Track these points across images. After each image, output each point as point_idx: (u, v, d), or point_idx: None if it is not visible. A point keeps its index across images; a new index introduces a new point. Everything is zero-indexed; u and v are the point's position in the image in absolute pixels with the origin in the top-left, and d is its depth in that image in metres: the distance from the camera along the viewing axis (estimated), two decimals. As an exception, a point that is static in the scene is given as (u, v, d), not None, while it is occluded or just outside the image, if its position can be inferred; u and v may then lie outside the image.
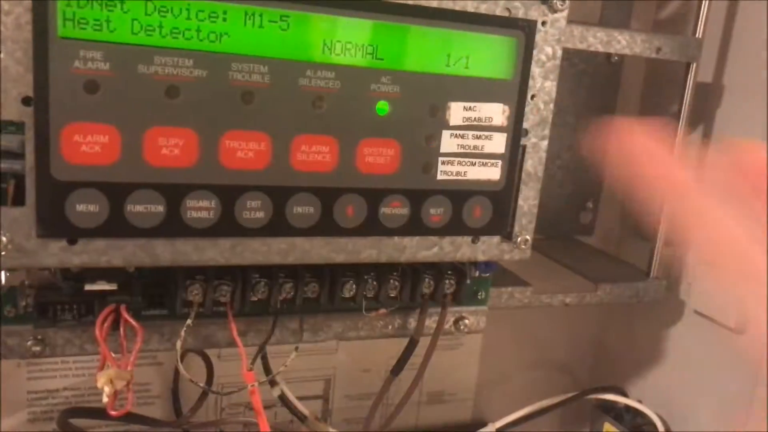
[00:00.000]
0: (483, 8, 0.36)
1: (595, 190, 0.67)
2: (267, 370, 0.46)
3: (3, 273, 0.34)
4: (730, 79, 0.58)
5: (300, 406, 0.54)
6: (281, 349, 0.43)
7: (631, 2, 0.64)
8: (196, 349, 0.46)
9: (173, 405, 0.55)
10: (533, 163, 0.40)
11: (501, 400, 0.66)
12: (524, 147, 0.39)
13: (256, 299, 0.38)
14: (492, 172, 0.39)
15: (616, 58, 0.65)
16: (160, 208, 0.33)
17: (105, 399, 0.35)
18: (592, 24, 0.55)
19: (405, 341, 0.44)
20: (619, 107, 0.66)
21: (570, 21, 0.39)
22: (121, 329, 0.35)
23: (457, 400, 0.69)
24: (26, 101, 0.30)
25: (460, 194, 0.38)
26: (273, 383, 0.51)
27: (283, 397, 0.52)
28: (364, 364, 0.64)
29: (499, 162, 0.39)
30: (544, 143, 0.40)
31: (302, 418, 0.54)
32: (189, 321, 0.37)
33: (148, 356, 0.55)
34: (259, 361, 0.42)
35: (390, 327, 0.44)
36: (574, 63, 0.63)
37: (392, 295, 0.41)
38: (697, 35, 0.53)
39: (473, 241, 0.40)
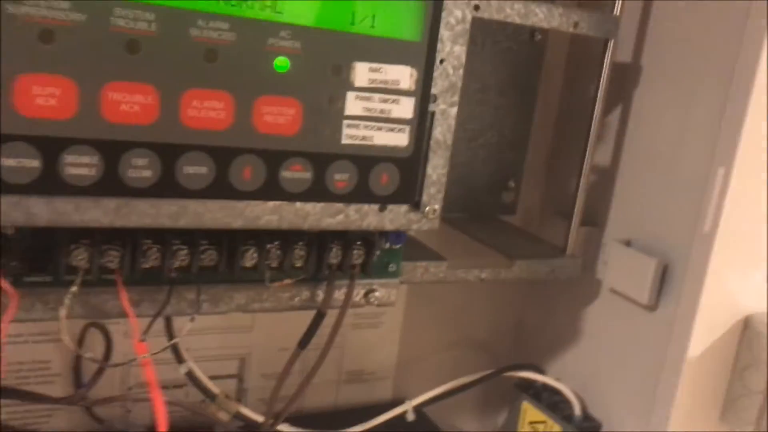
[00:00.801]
0: (390, -35, 0.35)
1: (517, 169, 0.67)
2: (173, 347, 0.44)
3: None
4: (649, 59, 0.59)
5: (210, 384, 0.52)
6: (195, 327, 0.41)
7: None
8: (92, 320, 0.44)
9: (74, 384, 0.53)
10: (442, 131, 0.39)
11: (421, 378, 0.65)
12: (433, 113, 0.38)
13: (148, 266, 0.36)
14: (399, 138, 0.38)
15: (539, 36, 0.64)
16: (35, 163, 0.30)
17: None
18: None
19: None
20: (542, 87, 0.66)
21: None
22: (-6, 294, 0.32)
23: (377, 379, 0.68)
24: None
25: (366, 160, 0.37)
26: (181, 360, 0.49)
27: (191, 375, 0.50)
28: (281, 343, 0.62)
29: (407, 128, 0.38)
30: (453, 110, 0.39)
31: (212, 396, 0.52)
32: (74, 288, 0.35)
33: (49, 332, 0.53)
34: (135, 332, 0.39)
35: (297, 299, 0.43)
36: (498, 41, 0.63)
37: (298, 265, 0.40)
38: (615, 13, 0.53)
39: (380, 210, 0.39)
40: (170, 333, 0.44)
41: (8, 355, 0.53)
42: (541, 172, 0.70)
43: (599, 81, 0.55)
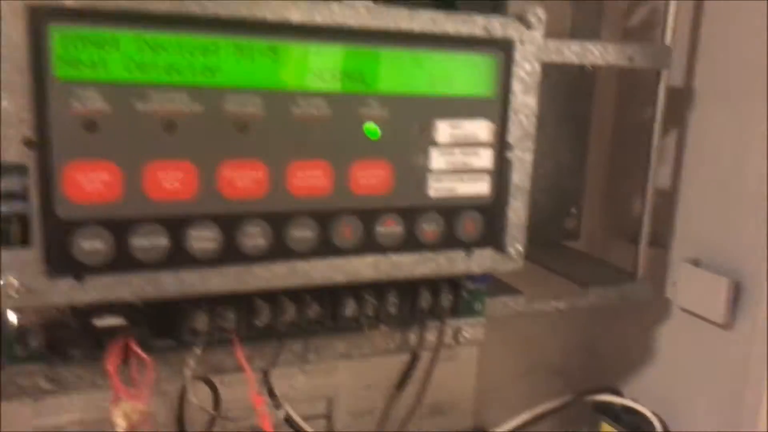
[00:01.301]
0: (462, 30, 0.38)
1: (578, 196, 0.69)
2: (271, 393, 0.47)
3: (13, 314, 0.34)
4: (701, 82, 0.60)
5: (305, 426, 0.54)
6: (282, 371, 0.43)
7: (600, 11, 0.66)
8: (202, 377, 0.47)
9: (179, 434, 0.56)
10: (520, 176, 0.41)
11: (499, 407, 0.67)
12: (510, 161, 0.41)
13: (260, 324, 0.39)
14: (481, 187, 0.40)
15: (590, 68, 0.67)
16: (164, 241, 0.34)
17: (118, 432, 0.35)
18: (567, 37, 0.57)
19: (402, 356, 0.45)
20: (595, 115, 0.68)
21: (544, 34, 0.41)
22: (132, 362, 0.36)
23: (457, 411, 0.69)
24: (28, 143, 0.31)
25: (451, 209, 0.40)
26: (278, 405, 0.52)
27: (288, 419, 0.53)
28: (366, 381, 0.64)
29: (487, 176, 0.40)
30: (529, 156, 0.41)
31: (307, 438, 0.54)
32: (197, 350, 0.38)
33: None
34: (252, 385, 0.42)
35: (391, 343, 0.45)
36: (550, 74, 0.65)
37: (392, 311, 0.42)
38: (666, 43, 0.55)
39: (467, 255, 0.41)
40: (268, 384, 0.46)
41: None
42: (600, 197, 0.71)
43: (655, 108, 0.57)
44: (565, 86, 0.66)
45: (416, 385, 0.48)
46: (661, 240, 0.64)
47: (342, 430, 0.64)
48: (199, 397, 0.49)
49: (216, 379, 0.50)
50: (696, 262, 0.60)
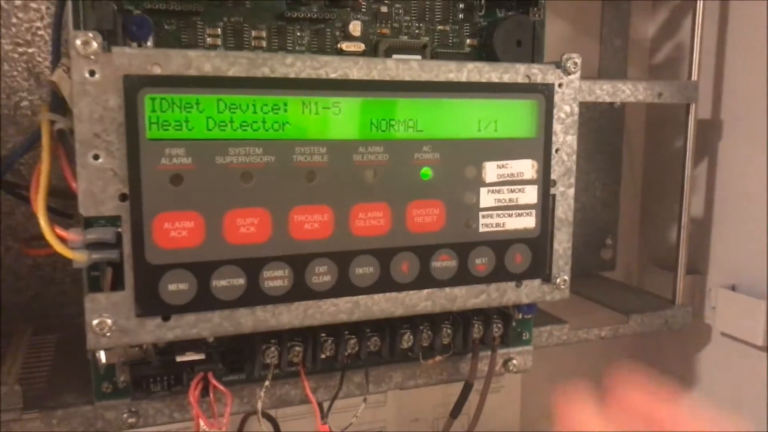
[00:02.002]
0: (506, 78, 0.41)
1: (613, 226, 0.71)
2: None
3: (103, 353, 0.38)
4: (727, 113, 0.63)
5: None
6: (336, 404, 0.46)
7: (626, 50, 0.69)
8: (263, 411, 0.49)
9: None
10: (563, 210, 0.44)
11: (545, 436, 0.68)
12: (554, 196, 0.43)
13: (324, 356, 0.42)
14: (528, 221, 0.43)
15: (619, 104, 0.69)
16: (241, 281, 0.37)
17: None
18: (595, 77, 0.60)
19: (446, 388, 0.47)
20: (625, 148, 0.71)
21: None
22: (211, 394, 0.38)
23: (504, 441, 0.71)
24: (122, 197, 0.34)
25: (501, 243, 0.42)
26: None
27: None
28: (413, 414, 0.66)
29: (533, 211, 0.43)
30: (571, 191, 0.44)
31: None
32: (267, 382, 0.41)
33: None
34: (318, 416, 0.44)
35: (444, 373, 0.47)
36: (581, 112, 0.68)
37: (445, 342, 0.45)
38: (692, 78, 0.58)
39: (517, 286, 0.43)
40: (323, 414, 0.49)
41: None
42: (635, 227, 0.73)
43: (685, 139, 0.59)
44: (595, 123, 0.69)
45: (464, 418, 0.50)
46: (697, 267, 0.65)
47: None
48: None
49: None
50: (733, 287, 0.62)
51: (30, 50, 0.51)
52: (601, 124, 0.70)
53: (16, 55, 0.51)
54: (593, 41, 0.68)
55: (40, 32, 0.51)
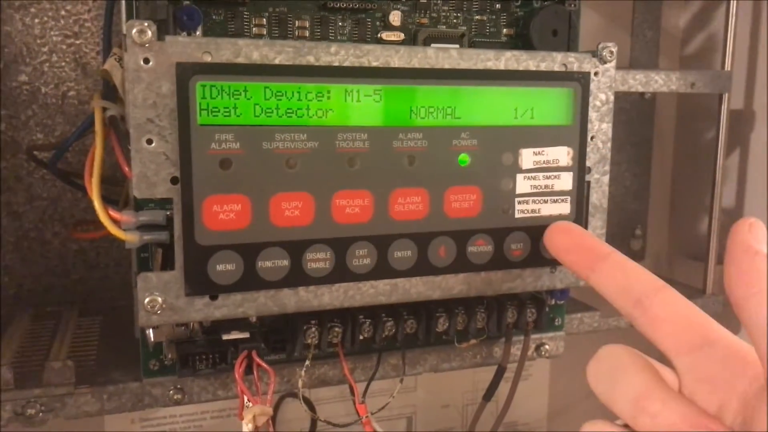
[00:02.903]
0: (543, 66, 0.42)
1: (642, 217, 0.71)
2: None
3: (151, 331, 0.39)
4: (760, 103, 0.63)
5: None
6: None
7: (657, 41, 0.70)
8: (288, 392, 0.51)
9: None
10: (598, 196, 0.44)
11: (573, 425, 0.69)
12: (589, 183, 0.44)
13: (362, 338, 0.43)
14: (563, 208, 0.44)
15: (649, 94, 0.70)
16: (285, 263, 0.38)
17: (245, 436, 0.39)
18: (628, 67, 0.60)
19: (475, 374, 0.48)
20: (656, 138, 0.71)
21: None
22: (255, 372, 0.40)
23: (532, 429, 0.72)
24: (174, 180, 0.36)
25: (536, 229, 0.43)
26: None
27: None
28: (443, 400, 0.67)
29: (568, 198, 0.44)
30: (606, 178, 0.44)
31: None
32: (307, 362, 0.42)
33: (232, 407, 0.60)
34: (348, 399, 0.45)
35: (478, 357, 0.48)
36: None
37: (480, 326, 0.46)
38: (725, 68, 0.58)
39: (551, 271, 0.44)
40: (360, 394, 0.50)
41: (215, 427, 0.61)
42: (664, 217, 0.74)
43: (717, 129, 0.59)
44: (626, 113, 0.70)
45: (492, 405, 0.51)
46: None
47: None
48: (289, 414, 0.53)
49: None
50: (764, 278, 0.62)
51: (77, 42, 0.53)
52: (631, 116, 0.70)
53: (64, 47, 0.52)
54: (625, 33, 0.69)
55: (87, 24, 0.53)
